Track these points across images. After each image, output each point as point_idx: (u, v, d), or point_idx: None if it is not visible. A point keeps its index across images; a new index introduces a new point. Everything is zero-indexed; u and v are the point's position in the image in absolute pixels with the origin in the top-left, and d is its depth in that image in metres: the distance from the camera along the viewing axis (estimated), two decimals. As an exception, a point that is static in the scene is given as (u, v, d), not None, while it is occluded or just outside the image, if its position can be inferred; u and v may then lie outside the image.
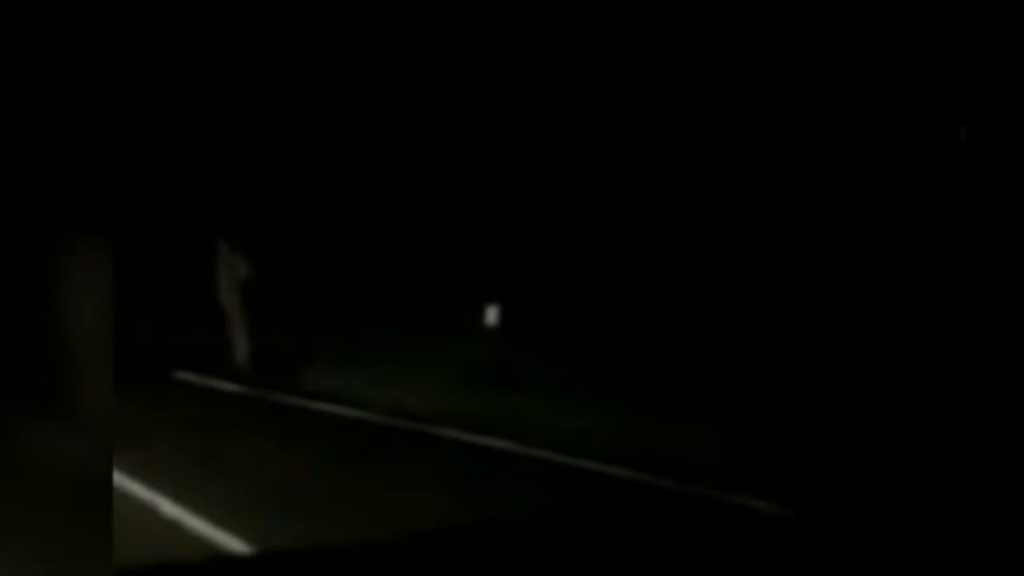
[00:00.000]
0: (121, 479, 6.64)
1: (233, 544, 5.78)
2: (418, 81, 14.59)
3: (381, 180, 15.12)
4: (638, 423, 9.17)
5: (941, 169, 11.15)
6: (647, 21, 12.83)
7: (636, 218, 13.17)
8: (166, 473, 7.18)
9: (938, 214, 10.97)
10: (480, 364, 11.25)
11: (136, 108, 13.91)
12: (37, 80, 2.93)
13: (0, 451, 2.90)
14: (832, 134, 11.73)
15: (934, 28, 11.20)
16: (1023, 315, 9.67)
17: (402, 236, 14.84)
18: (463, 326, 11.81)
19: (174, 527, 6.07)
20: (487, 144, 14.29)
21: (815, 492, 6.61)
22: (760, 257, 11.96)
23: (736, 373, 10.18)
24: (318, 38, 14.99)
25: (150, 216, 14.28)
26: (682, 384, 10.23)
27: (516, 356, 11.39)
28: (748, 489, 6.60)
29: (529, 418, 9.62)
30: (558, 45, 13.40)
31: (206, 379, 11.99)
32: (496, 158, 14.18)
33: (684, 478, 7.27)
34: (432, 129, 14.62)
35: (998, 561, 2.81)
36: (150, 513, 6.39)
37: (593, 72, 13.30)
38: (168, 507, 6.45)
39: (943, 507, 5.79)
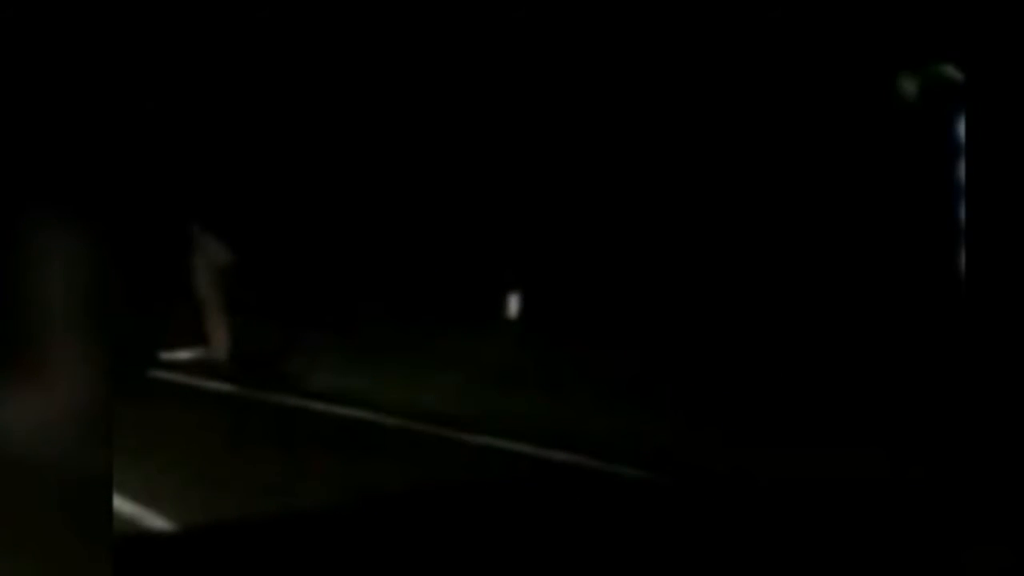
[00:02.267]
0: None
1: None
2: (431, 64, 13.72)
3: (387, 162, 14.19)
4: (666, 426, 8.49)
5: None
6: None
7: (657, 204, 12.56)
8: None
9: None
10: (501, 361, 10.40)
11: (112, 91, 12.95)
12: (28, 62, 2.99)
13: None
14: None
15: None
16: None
17: (410, 220, 13.97)
18: (481, 317, 11.05)
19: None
20: (511, 127, 13.46)
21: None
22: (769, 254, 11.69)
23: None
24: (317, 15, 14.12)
25: (117, 200, 13.31)
26: (712, 383, 9.70)
27: (539, 351, 10.62)
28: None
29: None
30: (583, 32, 12.74)
31: (189, 378, 10.86)
32: (523, 142, 13.38)
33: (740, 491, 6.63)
34: (446, 112, 13.74)
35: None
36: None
37: (610, 66, 12.70)
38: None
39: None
